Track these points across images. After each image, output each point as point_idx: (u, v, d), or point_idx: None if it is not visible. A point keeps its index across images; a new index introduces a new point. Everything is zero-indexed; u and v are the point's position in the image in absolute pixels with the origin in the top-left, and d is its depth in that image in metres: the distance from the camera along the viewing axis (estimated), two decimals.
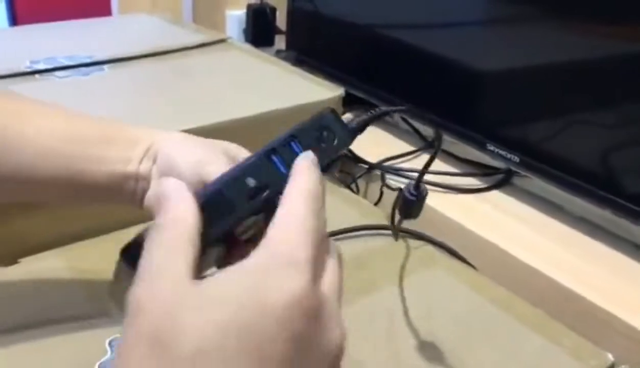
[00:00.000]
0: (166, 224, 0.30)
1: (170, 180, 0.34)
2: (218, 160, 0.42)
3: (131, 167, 0.44)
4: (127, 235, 0.60)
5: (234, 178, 0.36)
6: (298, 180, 0.33)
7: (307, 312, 0.27)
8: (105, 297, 0.54)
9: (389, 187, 0.79)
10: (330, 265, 0.31)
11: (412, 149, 0.90)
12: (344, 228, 0.67)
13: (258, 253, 0.29)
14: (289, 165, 0.34)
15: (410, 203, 0.49)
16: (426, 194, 0.48)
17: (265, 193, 0.35)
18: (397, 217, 0.51)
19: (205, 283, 0.28)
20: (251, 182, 0.35)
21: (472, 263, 0.66)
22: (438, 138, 0.50)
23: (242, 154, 0.44)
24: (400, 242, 0.66)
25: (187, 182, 0.41)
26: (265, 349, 0.26)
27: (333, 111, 0.38)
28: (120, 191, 0.45)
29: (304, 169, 0.33)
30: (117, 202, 0.46)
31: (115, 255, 0.58)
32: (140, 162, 0.44)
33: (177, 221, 0.31)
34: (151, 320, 0.27)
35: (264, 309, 0.26)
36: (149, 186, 0.44)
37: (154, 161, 0.44)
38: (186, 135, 0.46)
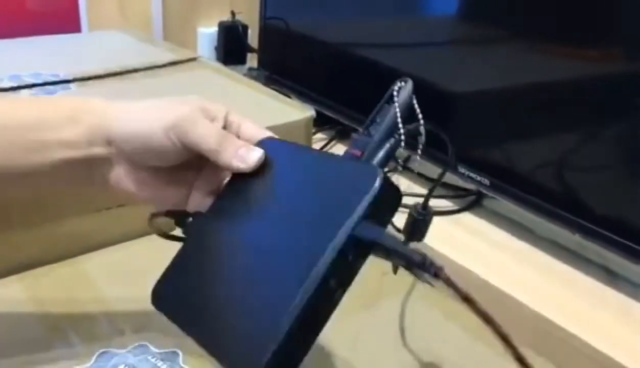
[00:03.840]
0: None
1: None
2: (197, 120, 0.41)
3: (77, 153, 0.42)
4: (87, 261, 0.58)
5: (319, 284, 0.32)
6: None
7: None
8: (65, 326, 0.52)
9: None
10: None
11: None
12: None
13: None
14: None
15: (418, 223, 0.48)
16: (433, 214, 0.48)
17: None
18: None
19: None
20: (333, 283, 0.33)
21: (443, 286, 0.65)
22: (452, 157, 0.49)
23: (214, 112, 0.43)
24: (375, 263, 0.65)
25: (167, 154, 0.41)
26: None
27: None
28: (71, 177, 0.43)
29: None
30: (70, 186, 0.45)
31: (77, 281, 0.57)
32: (90, 145, 0.42)
33: None
34: None
35: None
36: (110, 171, 0.43)
37: (109, 144, 0.42)
38: (139, 103, 0.44)
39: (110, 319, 0.53)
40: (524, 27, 0.72)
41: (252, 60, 1.23)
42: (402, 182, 0.88)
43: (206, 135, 0.41)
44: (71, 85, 0.83)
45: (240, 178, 0.41)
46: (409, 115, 0.36)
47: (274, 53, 1.08)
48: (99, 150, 0.42)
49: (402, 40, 0.88)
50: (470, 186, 0.81)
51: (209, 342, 0.35)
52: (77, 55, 0.97)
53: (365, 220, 0.32)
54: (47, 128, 0.42)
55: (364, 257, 0.33)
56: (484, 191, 0.76)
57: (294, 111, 0.80)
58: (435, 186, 0.46)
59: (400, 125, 0.36)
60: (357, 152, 0.37)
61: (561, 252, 0.72)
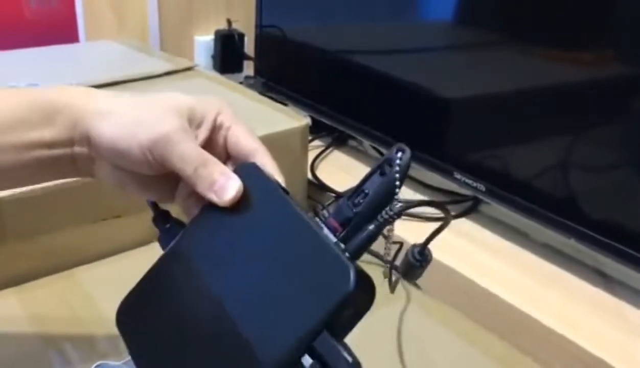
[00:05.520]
0: None
1: None
2: (176, 141, 0.38)
3: (58, 152, 0.40)
4: (82, 273, 0.59)
5: None
6: None
7: None
8: (61, 339, 0.53)
9: None
10: None
11: None
12: None
13: None
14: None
15: (414, 267, 0.46)
16: (431, 259, 0.46)
17: None
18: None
19: None
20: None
21: (440, 293, 0.66)
22: (446, 217, 0.46)
23: (202, 113, 0.41)
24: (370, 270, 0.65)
25: (143, 168, 0.39)
26: None
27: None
28: (58, 172, 0.42)
29: None
30: (58, 178, 0.43)
31: (72, 293, 0.57)
32: (71, 144, 0.41)
33: None
34: None
35: None
36: (93, 166, 0.42)
37: (89, 144, 0.40)
38: (122, 103, 0.41)
39: (107, 332, 0.53)
40: (517, 32, 0.72)
41: (248, 68, 1.23)
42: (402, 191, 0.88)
43: (183, 160, 0.39)
44: None
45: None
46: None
47: (270, 61, 1.08)
48: (79, 149, 0.41)
49: (397, 46, 0.88)
50: (467, 192, 0.81)
51: None
52: (74, 66, 0.98)
53: (327, 328, 0.30)
54: (22, 128, 0.40)
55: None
56: (480, 196, 0.77)
57: (290, 119, 0.80)
58: (437, 234, 0.45)
59: (386, 214, 0.33)
60: (337, 225, 0.34)
61: (556, 257, 0.72)
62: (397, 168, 0.34)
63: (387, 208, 0.34)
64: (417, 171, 0.89)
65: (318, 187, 0.87)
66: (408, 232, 0.76)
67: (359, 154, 0.99)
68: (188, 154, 0.39)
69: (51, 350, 0.52)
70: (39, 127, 0.40)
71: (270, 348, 0.31)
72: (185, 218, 0.43)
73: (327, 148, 0.99)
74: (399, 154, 0.34)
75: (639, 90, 0.62)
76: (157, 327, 0.38)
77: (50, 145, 0.40)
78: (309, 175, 0.87)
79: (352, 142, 1.02)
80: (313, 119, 0.90)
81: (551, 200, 0.69)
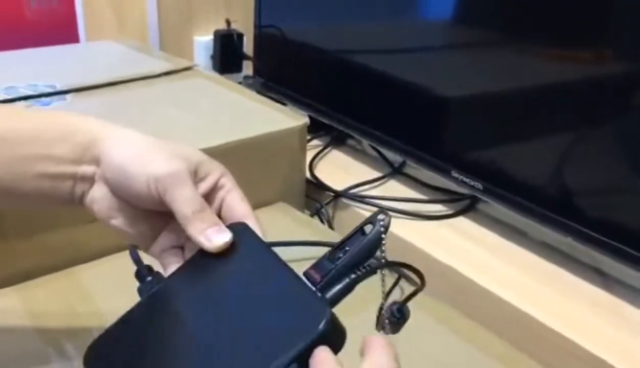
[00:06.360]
0: None
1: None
2: (182, 182, 0.40)
3: (64, 168, 0.42)
4: (82, 271, 0.59)
5: None
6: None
7: None
8: (62, 339, 0.53)
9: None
10: None
11: (379, 175, 0.91)
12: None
13: None
14: None
15: (392, 322, 0.48)
16: (408, 317, 0.48)
17: None
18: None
19: None
20: None
21: (436, 290, 0.66)
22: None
23: (208, 170, 0.43)
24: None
25: (142, 199, 0.40)
26: None
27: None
28: (53, 193, 0.43)
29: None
30: (50, 205, 0.44)
31: (73, 292, 0.58)
32: (79, 163, 0.42)
33: None
34: None
35: None
36: (90, 189, 0.43)
37: (97, 164, 0.42)
38: (138, 136, 0.43)
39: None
40: (515, 31, 0.72)
41: (247, 68, 1.23)
42: (396, 187, 0.88)
43: (185, 201, 0.40)
44: (67, 96, 0.83)
45: (206, 255, 0.41)
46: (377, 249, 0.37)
47: (269, 60, 1.08)
48: (87, 169, 0.42)
49: (395, 46, 0.88)
50: (464, 191, 0.81)
51: None
52: (73, 66, 0.98)
53: (296, 362, 0.32)
54: (38, 144, 0.42)
55: None
56: (478, 195, 0.77)
57: (288, 118, 0.81)
58: (414, 295, 0.47)
59: (362, 269, 0.36)
60: (317, 277, 0.37)
61: (554, 255, 0.73)
62: (381, 228, 0.37)
63: (366, 263, 0.37)
64: (415, 170, 0.89)
65: (316, 186, 0.87)
66: (408, 230, 0.76)
67: (357, 153, 0.99)
68: (190, 197, 0.41)
69: (50, 347, 0.52)
70: (52, 143, 0.42)
71: None
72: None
73: (325, 147, 0.99)
74: (381, 216, 0.37)
75: (637, 89, 0.62)
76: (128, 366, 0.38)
77: (58, 160, 0.42)
78: (308, 174, 0.87)
79: (350, 142, 1.02)
80: (312, 119, 0.90)
81: (549, 198, 0.69)
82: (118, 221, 0.43)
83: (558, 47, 0.68)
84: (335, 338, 0.33)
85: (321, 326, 0.32)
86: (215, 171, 0.43)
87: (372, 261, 0.37)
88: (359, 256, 0.37)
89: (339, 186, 0.86)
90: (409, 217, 0.80)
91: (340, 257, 0.36)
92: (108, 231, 0.64)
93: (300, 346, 0.31)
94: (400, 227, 0.77)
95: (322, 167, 0.94)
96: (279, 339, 0.32)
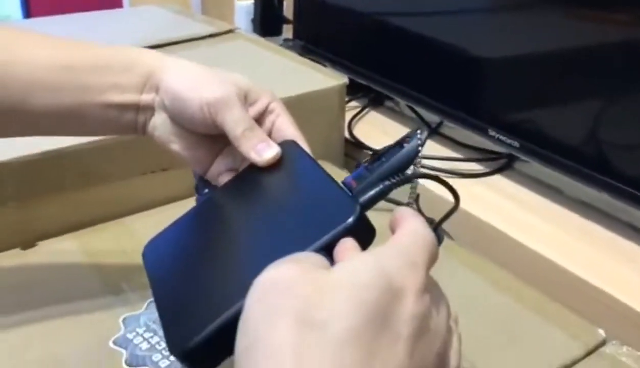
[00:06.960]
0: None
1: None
2: (232, 105, 0.43)
3: (128, 97, 0.45)
4: (134, 221, 0.63)
5: None
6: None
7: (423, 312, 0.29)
8: (117, 277, 0.57)
9: None
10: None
11: None
12: None
13: (390, 247, 0.31)
14: None
15: None
16: (442, 240, 0.49)
17: None
18: None
19: (343, 269, 0.29)
20: None
21: (473, 246, 0.68)
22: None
23: (257, 95, 0.46)
24: None
25: (196, 123, 0.44)
26: (395, 327, 0.28)
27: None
28: (118, 121, 0.45)
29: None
30: (114, 132, 0.47)
31: (126, 238, 0.61)
32: (141, 91, 0.45)
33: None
34: (300, 297, 0.27)
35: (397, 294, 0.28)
36: (151, 117, 0.46)
37: (157, 92, 0.45)
38: (193, 66, 0.46)
39: None
40: None
41: (287, 31, 1.25)
42: (433, 147, 0.90)
43: (235, 121, 0.43)
44: None
45: (255, 168, 0.44)
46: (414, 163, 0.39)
47: (309, 23, 1.10)
48: (147, 97, 0.45)
49: (433, 8, 0.89)
50: (501, 149, 0.82)
51: (163, 311, 0.37)
52: (118, 30, 1.01)
53: (325, 250, 0.33)
54: (102, 72, 0.44)
55: None
56: (514, 153, 0.78)
57: (328, 79, 0.82)
58: (447, 217, 0.49)
59: (394, 179, 0.37)
60: (353, 182, 0.39)
61: (590, 211, 0.73)
62: (418, 141, 0.39)
63: (400, 173, 0.38)
64: (452, 130, 0.90)
65: (355, 145, 0.89)
66: (444, 188, 0.78)
67: (395, 114, 1.00)
68: (241, 118, 0.44)
69: (107, 284, 0.56)
70: (117, 73, 0.45)
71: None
72: None
73: (363, 108, 1.01)
74: (419, 132, 0.39)
75: None
76: (180, 260, 0.42)
77: (123, 89, 0.45)
78: (347, 134, 0.89)
79: (388, 103, 1.03)
80: (350, 80, 0.91)
81: (585, 155, 0.70)
82: (177, 146, 0.46)
83: (595, 8, 0.68)
84: (363, 234, 0.34)
85: (350, 219, 0.33)
86: (264, 96, 0.46)
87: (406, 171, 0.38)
88: (395, 166, 0.38)
89: (377, 146, 0.87)
90: (446, 174, 0.81)
91: (374, 171, 0.38)
92: (157, 184, 0.68)
93: (329, 235, 0.33)
94: (436, 185, 0.78)
95: (361, 128, 0.95)
96: (313, 231, 0.34)
